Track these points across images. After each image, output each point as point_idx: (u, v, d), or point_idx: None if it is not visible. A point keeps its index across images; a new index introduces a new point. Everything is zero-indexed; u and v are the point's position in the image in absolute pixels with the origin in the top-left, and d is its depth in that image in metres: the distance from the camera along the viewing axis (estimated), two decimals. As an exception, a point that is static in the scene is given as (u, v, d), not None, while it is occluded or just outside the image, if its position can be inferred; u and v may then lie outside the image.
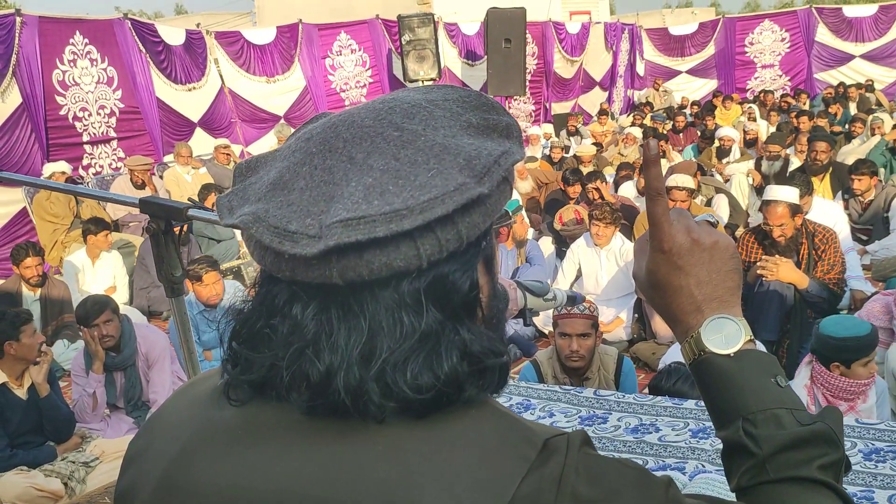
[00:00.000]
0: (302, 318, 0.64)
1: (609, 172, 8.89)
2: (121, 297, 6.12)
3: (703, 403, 1.93)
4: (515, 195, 7.06)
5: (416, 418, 0.63)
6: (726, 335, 0.77)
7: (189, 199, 1.50)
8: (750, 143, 9.55)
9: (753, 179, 7.38)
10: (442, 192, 0.60)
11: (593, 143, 11.51)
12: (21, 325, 3.55)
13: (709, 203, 6.94)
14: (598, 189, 6.52)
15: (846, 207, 6.33)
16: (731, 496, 0.75)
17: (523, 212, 6.27)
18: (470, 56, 13.57)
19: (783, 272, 4.13)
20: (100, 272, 6.33)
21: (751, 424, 0.73)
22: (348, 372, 0.62)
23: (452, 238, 0.62)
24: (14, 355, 3.54)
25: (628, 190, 7.47)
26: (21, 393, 3.59)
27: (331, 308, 0.64)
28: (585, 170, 8.13)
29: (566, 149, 11.78)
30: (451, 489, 0.60)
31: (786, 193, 4.36)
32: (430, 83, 11.00)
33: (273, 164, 0.69)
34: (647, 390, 3.14)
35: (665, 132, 11.23)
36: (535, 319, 5.10)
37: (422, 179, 0.61)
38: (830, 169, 6.84)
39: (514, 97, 12.88)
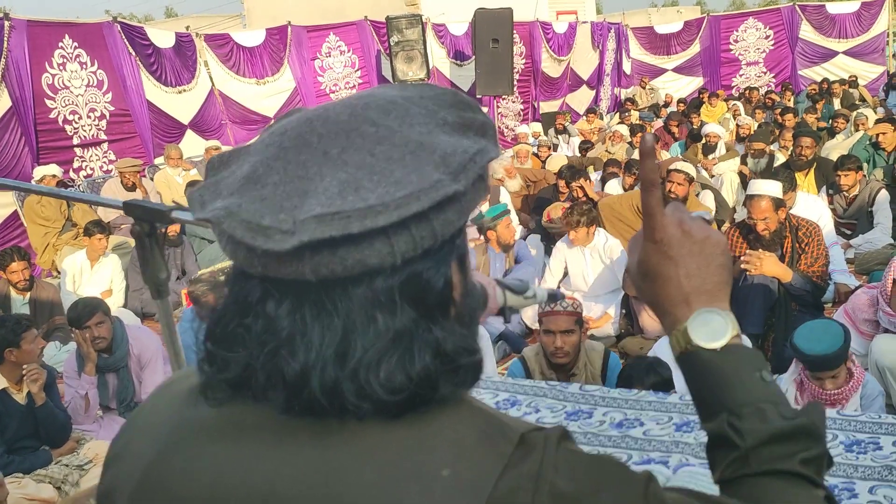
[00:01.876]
0: (275, 316, 0.63)
1: (597, 169, 8.92)
2: (116, 300, 6.10)
3: (687, 398, 1.94)
4: (505, 198, 7.05)
5: (393, 418, 0.63)
6: (713, 329, 0.77)
7: (174, 202, 1.50)
8: (742, 138, 9.57)
9: (748, 176, 7.41)
10: (417, 188, 0.59)
11: (582, 141, 11.53)
12: (22, 331, 3.54)
13: (695, 198, 6.97)
14: (581, 187, 6.53)
15: (831, 202, 6.37)
16: (714, 489, 0.76)
17: (511, 214, 6.26)
18: (458, 56, 13.57)
19: (767, 266, 4.15)
20: (97, 275, 6.30)
21: (735, 417, 0.73)
22: (323, 371, 0.61)
23: (427, 235, 0.61)
24: (14, 361, 3.53)
25: (614, 187, 7.49)
26: (20, 398, 3.57)
27: (304, 306, 0.63)
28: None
29: (554, 147, 11.79)
30: (429, 489, 0.60)
31: (769, 187, 4.38)
32: (419, 82, 10.96)
33: (246, 158, 0.68)
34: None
35: (655, 131, 11.25)
36: (525, 316, 5.10)
37: (397, 175, 0.60)
38: (815, 164, 6.87)
39: (503, 96, 12.89)
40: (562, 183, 7.03)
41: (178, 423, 0.71)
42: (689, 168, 5.79)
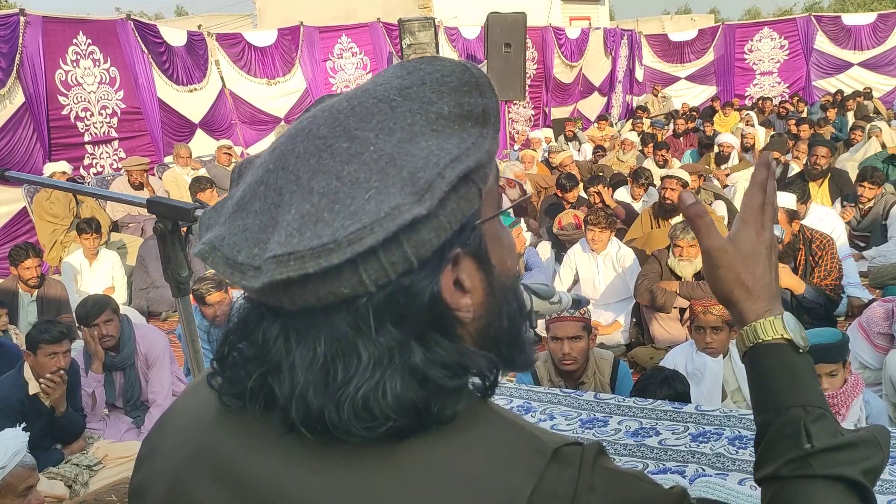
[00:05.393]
0: (264, 341, 0.64)
1: (606, 176, 8.94)
2: (119, 297, 6.12)
3: (703, 408, 1.93)
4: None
5: (394, 443, 0.62)
6: (801, 330, 0.83)
7: (196, 200, 1.51)
8: (747, 148, 9.57)
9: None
10: (372, 219, 0.57)
11: (595, 148, 11.54)
12: (42, 341, 3.56)
13: (707, 209, 6.95)
14: (598, 193, 6.52)
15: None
16: (736, 502, 0.77)
17: (521, 224, 6.26)
18: (470, 60, 13.56)
19: (779, 277, 4.15)
20: (97, 272, 6.33)
21: (809, 417, 0.76)
22: (304, 398, 0.61)
23: (399, 260, 0.59)
24: (31, 366, 3.57)
25: (622, 195, 7.51)
26: (48, 402, 3.60)
27: (290, 331, 0.63)
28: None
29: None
30: None
31: (782, 199, 4.38)
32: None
33: (247, 176, 0.67)
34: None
35: (665, 138, 11.25)
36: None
37: (357, 204, 0.58)
38: (829, 175, 6.86)
39: (514, 102, 12.91)
40: (568, 195, 6.98)
41: (210, 425, 0.72)
42: (684, 175, 5.83)
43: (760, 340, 0.83)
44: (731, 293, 0.86)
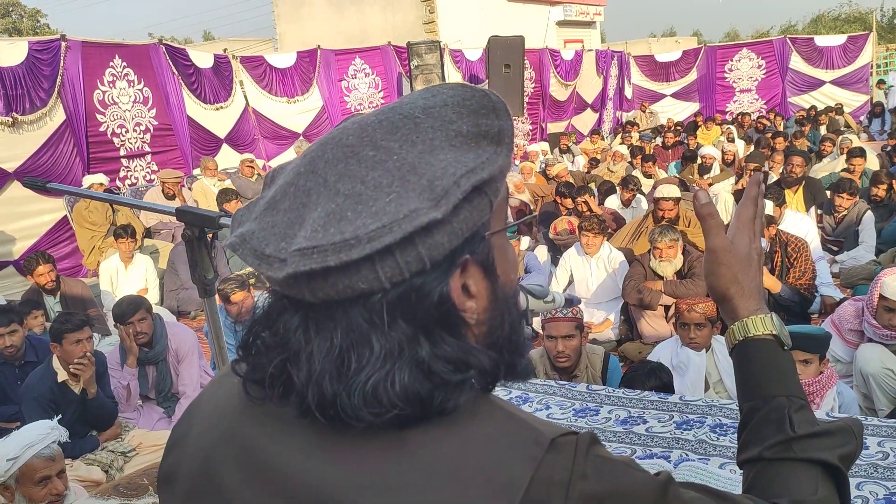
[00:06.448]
0: (285, 330, 0.64)
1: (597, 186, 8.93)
2: (152, 297, 6.14)
3: (687, 398, 1.92)
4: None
5: (399, 429, 0.62)
6: (786, 331, 0.86)
7: (222, 210, 1.51)
8: (728, 163, 9.55)
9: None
10: (392, 219, 0.58)
11: (590, 160, 11.55)
12: (65, 331, 3.55)
13: (690, 216, 6.92)
14: (586, 202, 6.53)
15: (820, 221, 6.34)
16: (717, 485, 0.77)
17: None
18: (473, 80, 13.60)
19: (760, 279, 4.13)
20: (132, 275, 6.36)
21: (791, 406, 0.78)
22: (320, 385, 0.61)
23: (413, 260, 0.59)
24: (59, 356, 3.56)
25: (613, 202, 7.51)
26: (76, 389, 3.59)
27: (309, 322, 0.63)
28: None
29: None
30: (465, 493, 0.60)
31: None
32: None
33: (279, 180, 0.68)
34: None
35: (653, 150, 11.23)
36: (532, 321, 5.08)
37: (378, 205, 0.59)
38: (804, 182, 6.86)
39: (513, 117, 12.90)
40: (567, 200, 7.00)
41: (235, 415, 0.71)
42: (674, 192, 5.73)
43: (751, 335, 0.85)
44: (728, 289, 0.88)
